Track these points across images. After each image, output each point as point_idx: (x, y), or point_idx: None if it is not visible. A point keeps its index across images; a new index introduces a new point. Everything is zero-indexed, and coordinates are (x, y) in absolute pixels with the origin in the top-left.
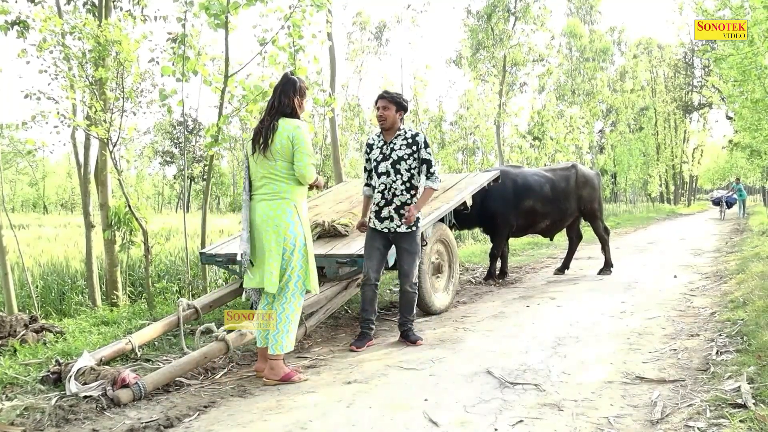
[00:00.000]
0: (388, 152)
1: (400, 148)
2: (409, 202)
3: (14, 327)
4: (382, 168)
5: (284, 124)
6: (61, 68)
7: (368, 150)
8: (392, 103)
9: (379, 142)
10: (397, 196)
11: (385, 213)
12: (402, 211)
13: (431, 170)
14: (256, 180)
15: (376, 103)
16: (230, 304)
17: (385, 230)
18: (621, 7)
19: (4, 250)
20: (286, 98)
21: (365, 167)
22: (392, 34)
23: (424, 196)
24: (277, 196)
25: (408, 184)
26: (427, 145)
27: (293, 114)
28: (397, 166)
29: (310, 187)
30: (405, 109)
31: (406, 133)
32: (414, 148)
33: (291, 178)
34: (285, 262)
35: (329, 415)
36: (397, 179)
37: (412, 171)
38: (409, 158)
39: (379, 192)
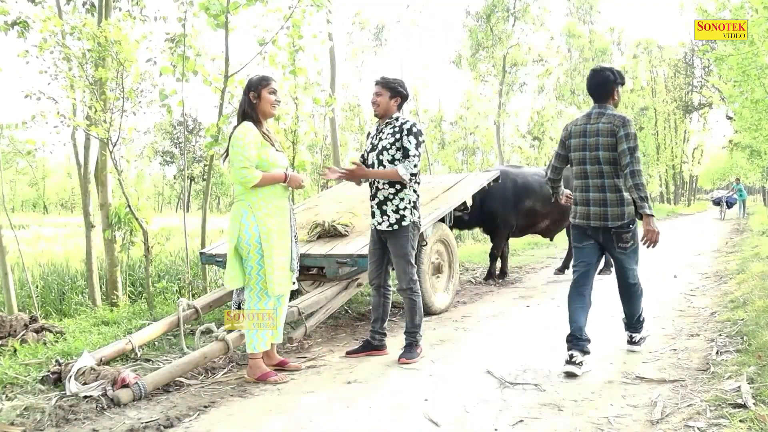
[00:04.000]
0: (376, 142)
1: (386, 138)
2: (391, 197)
3: (14, 327)
4: (370, 159)
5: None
6: (61, 68)
7: (366, 140)
8: (386, 89)
9: (374, 131)
10: (380, 190)
11: (372, 208)
12: (384, 207)
13: (408, 156)
14: None
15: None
16: (230, 304)
17: (373, 226)
18: (621, 7)
19: (4, 250)
20: (240, 103)
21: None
22: (392, 35)
23: (384, 171)
24: (236, 199)
25: None
26: (410, 133)
27: (253, 112)
28: (381, 157)
29: (298, 187)
30: (401, 96)
31: (396, 121)
32: (398, 135)
33: None
34: (244, 262)
35: (329, 415)
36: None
37: (396, 162)
38: (392, 147)
39: (369, 185)
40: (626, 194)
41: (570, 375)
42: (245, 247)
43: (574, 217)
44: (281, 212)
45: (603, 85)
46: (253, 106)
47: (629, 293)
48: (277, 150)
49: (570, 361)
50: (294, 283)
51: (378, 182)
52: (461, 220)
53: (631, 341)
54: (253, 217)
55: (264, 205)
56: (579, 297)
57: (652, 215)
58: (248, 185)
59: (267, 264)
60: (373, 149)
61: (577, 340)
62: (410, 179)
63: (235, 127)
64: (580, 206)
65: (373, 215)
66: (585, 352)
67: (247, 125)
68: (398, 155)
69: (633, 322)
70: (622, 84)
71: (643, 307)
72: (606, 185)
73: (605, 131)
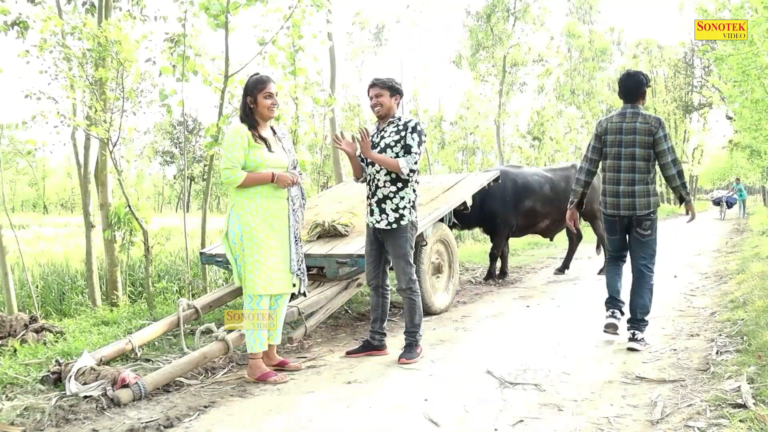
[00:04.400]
0: (377, 140)
1: (389, 136)
2: (391, 196)
3: (14, 327)
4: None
5: None
6: (61, 68)
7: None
8: (385, 89)
9: (373, 131)
10: (380, 188)
11: (371, 206)
12: (383, 206)
13: (410, 153)
14: None
15: (369, 92)
16: (230, 304)
17: (370, 225)
18: (621, 7)
19: (4, 250)
20: (240, 105)
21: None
22: (392, 35)
23: (386, 158)
24: (231, 199)
25: (392, 176)
26: (414, 131)
27: (251, 116)
28: (383, 155)
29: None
30: (399, 93)
31: (399, 120)
32: (403, 133)
33: None
34: (236, 260)
35: (329, 415)
36: (381, 169)
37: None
38: (396, 145)
39: (367, 184)
40: (651, 186)
41: (611, 327)
42: (232, 246)
43: (604, 207)
44: (271, 212)
45: (637, 87)
46: (250, 111)
47: (641, 282)
48: (271, 150)
49: (611, 316)
50: (302, 284)
51: (378, 180)
52: (462, 219)
53: (633, 338)
54: (236, 216)
55: (247, 204)
56: (615, 268)
57: (691, 203)
58: (233, 185)
59: (248, 263)
60: (373, 147)
61: (615, 301)
62: (409, 176)
63: None
64: (610, 197)
65: (371, 213)
66: (622, 312)
67: (237, 126)
68: (401, 153)
69: (637, 319)
70: (650, 86)
71: (650, 309)
72: (636, 179)
73: (642, 130)
